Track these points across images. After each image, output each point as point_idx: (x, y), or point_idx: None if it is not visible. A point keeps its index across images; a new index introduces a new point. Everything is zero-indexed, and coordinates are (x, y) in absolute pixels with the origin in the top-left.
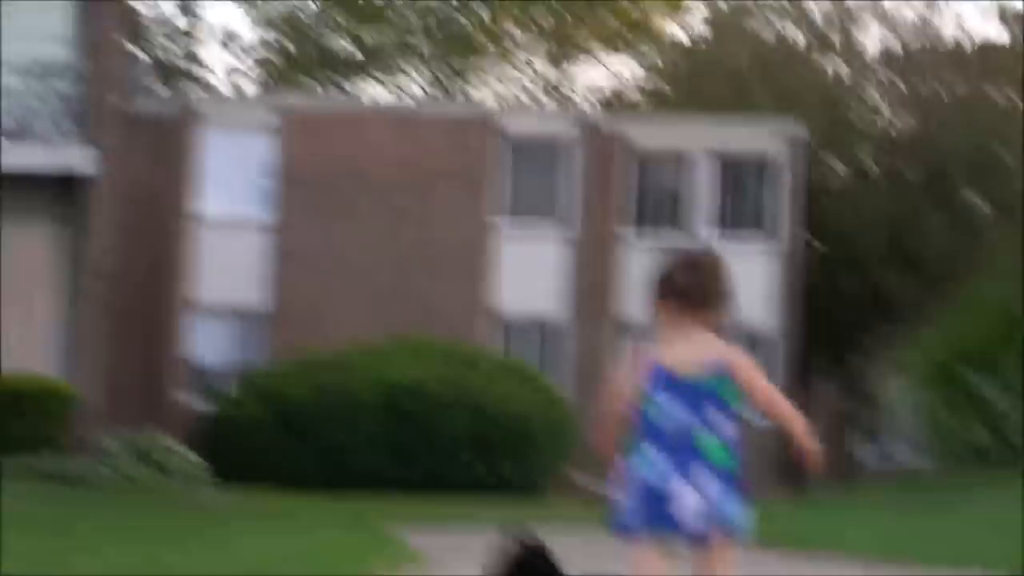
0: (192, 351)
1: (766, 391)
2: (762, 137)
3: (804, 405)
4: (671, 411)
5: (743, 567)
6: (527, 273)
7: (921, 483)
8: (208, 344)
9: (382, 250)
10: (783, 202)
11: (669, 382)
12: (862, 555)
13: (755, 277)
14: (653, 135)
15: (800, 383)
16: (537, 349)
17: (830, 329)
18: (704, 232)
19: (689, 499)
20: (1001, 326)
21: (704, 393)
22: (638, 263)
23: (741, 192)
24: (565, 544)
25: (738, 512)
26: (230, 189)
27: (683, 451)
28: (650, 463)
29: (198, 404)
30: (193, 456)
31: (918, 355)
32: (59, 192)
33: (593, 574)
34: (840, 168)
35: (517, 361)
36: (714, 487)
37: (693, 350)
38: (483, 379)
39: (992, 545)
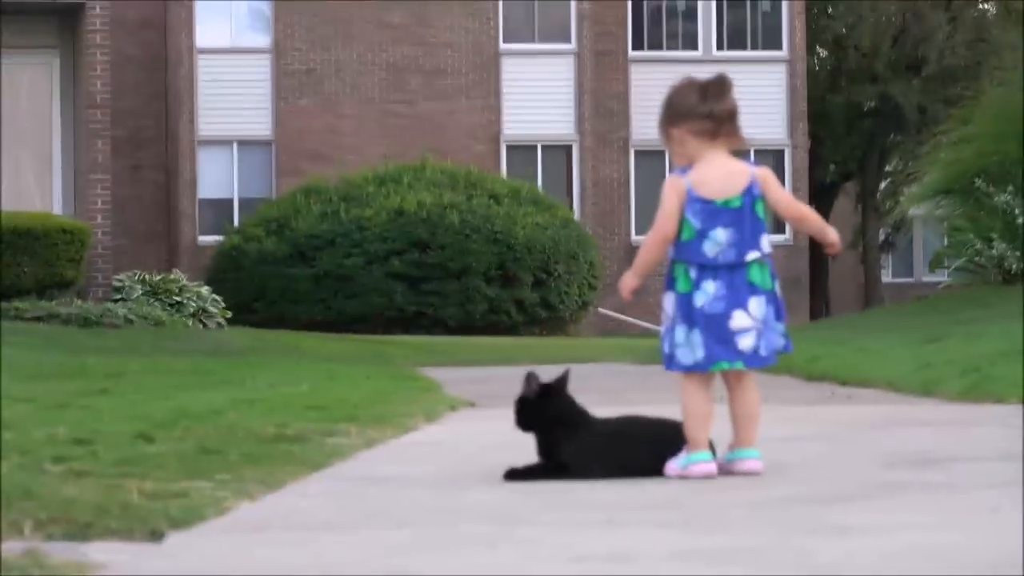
0: (201, 185)
1: (790, 198)
2: None
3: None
4: (720, 240)
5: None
6: (532, 94)
7: (942, 301)
8: (216, 177)
9: (386, 72)
10: (788, 12)
11: (713, 210)
12: (895, 386)
13: (761, 90)
14: None
15: (815, 199)
16: (547, 173)
17: (840, 142)
18: (709, 46)
19: (750, 328)
20: (1018, 137)
21: (747, 216)
22: (645, 81)
23: (745, 3)
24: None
25: (785, 335)
26: (229, 17)
27: (737, 279)
28: (708, 295)
29: (208, 238)
30: (206, 291)
31: (934, 168)
32: (60, 23)
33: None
34: None
35: (531, 187)
36: (767, 313)
37: (728, 174)
38: (500, 206)
39: (1020, 370)
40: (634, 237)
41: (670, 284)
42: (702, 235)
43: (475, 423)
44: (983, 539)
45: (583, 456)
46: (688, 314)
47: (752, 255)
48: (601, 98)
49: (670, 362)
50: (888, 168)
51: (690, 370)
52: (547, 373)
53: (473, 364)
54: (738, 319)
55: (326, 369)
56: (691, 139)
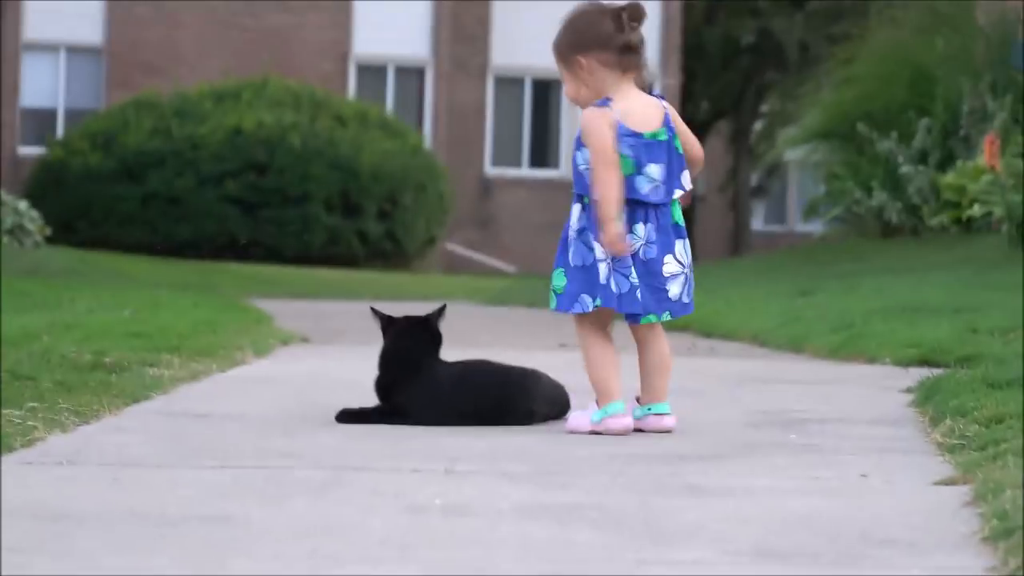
0: (23, 93)
1: (695, 138)
2: None
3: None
4: (654, 175)
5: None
6: (386, 11)
7: (816, 252)
8: (39, 85)
9: None
10: None
11: (644, 143)
12: (762, 340)
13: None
14: None
15: None
16: (398, 97)
17: (715, 78)
18: None
19: (679, 274)
20: (906, 81)
21: (672, 151)
22: (509, 4)
23: None
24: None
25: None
26: None
27: (664, 220)
28: (640, 239)
29: (31, 151)
30: (25, 207)
31: (813, 110)
32: None
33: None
34: None
35: (380, 110)
36: (687, 257)
37: (646, 106)
38: (344, 129)
39: (895, 328)
40: (488, 168)
41: (593, 225)
42: (637, 171)
43: (308, 359)
44: (850, 506)
45: (423, 400)
46: (619, 258)
47: (677, 192)
48: (461, 20)
49: (578, 303)
50: (764, 108)
51: (604, 312)
52: (388, 310)
53: (309, 297)
54: (669, 265)
55: (150, 295)
56: (601, 70)
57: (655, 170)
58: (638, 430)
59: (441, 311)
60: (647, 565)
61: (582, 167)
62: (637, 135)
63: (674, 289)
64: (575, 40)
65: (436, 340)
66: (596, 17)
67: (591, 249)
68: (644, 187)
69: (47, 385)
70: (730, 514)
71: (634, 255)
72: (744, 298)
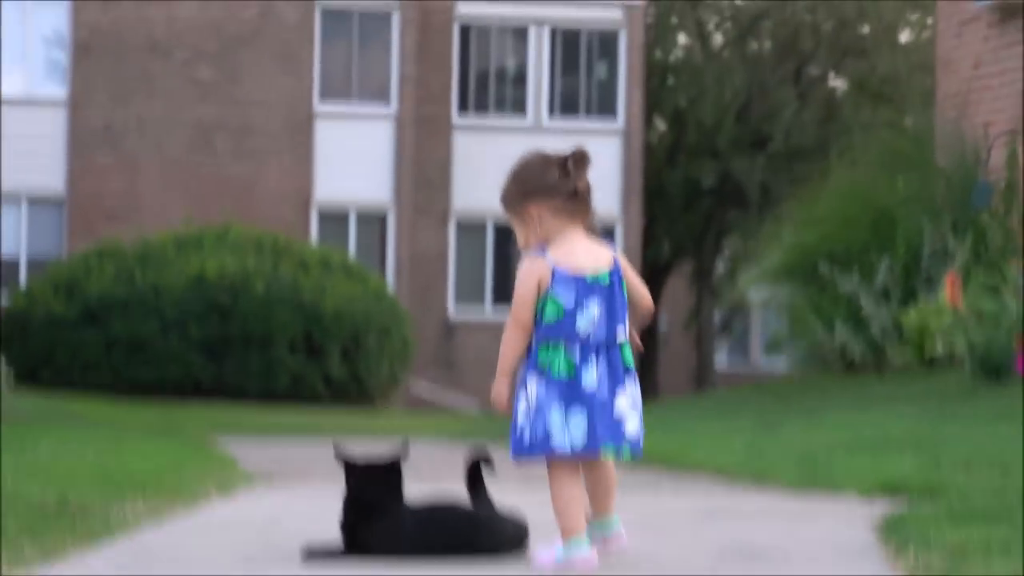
0: None
1: (646, 289)
2: (602, 7)
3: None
4: (593, 316)
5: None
6: (347, 158)
7: (780, 388)
8: (3, 234)
9: (190, 128)
10: (623, 79)
11: (584, 285)
12: (727, 474)
13: (594, 162)
14: (483, 4)
15: (648, 278)
16: (360, 242)
17: (677, 219)
18: (540, 113)
19: (631, 413)
20: (867, 221)
21: (616, 294)
22: (469, 148)
23: (576, 68)
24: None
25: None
26: (23, 64)
27: (614, 359)
28: (593, 378)
29: None
30: None
31: (776, 249)
32: None
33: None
34: (686, 41)
35: (342, 256)
36: (638, 394)
37: (591, 250)
38: (307, 274)
39: (859, 461)
40: (451, 313)
41: (539, 368)
42: (574, 312)
43: (272, 498)
44: None
45: (390, 536)
46: (571, 397)
47: (622, 335)
48: (422, 165)
49: (539, 447)
50: (726, 249)
51: (566, 457)
52: (354, 447)
53: (274, 437)
54: (621, 403)
55: (114, 438)
56: (550, 217)
57: (595, 311)
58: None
59: (404, 447)
60: None
61: None
62: (579, 278)
63: (631, 426)
64: (523, 190)
65: (398, 481)
66: (542, 166)
67: (528, 395)
68: (583, 328)
69: (12, 529)
70: None
71: (587, 393)
72: (708, 433)
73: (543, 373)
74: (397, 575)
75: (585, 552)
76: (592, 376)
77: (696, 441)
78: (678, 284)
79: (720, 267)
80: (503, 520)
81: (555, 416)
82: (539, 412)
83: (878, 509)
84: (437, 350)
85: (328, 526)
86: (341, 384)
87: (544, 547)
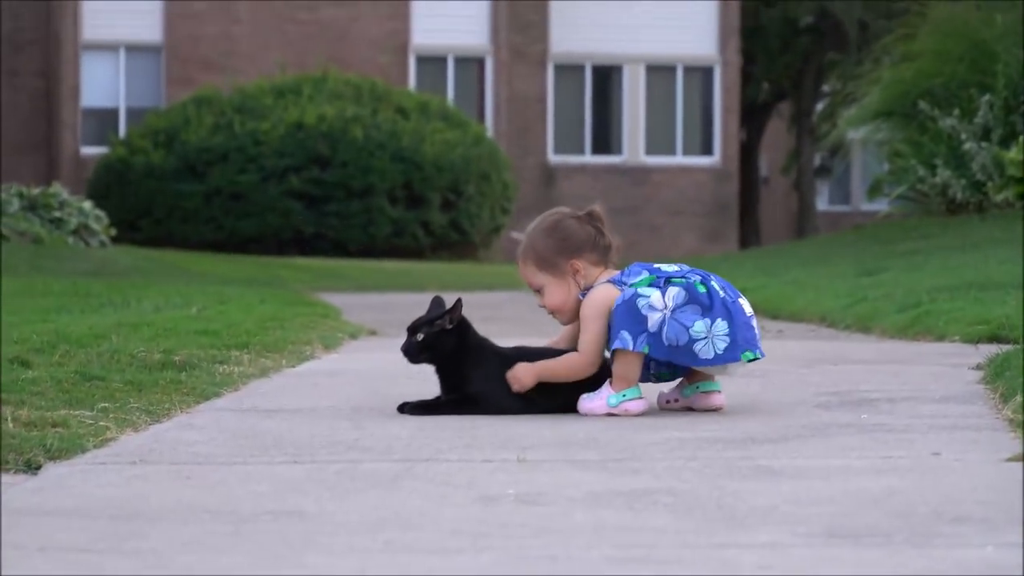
0: (84, 93)
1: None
2: None
3: (752, 143)
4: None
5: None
6: (445, 2)
7: (881, 231)
8: (101, 84)
9: None
10: None
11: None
12: (830, 321)
13: (690, 3)
14: None
15: (746, 120)
16: (458, 88)
17: (775, 59)
18: None
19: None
20: (966, 57)
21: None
22: None
23: None
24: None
25: None
26: None
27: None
28: (718, 288)
29: (93, 151)
30: (88, 206)
31: (874, 88)
32: None
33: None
34: None
35: (441, 101)
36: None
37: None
38: (406, 121)
39: (962, 305)
40: (551, 157)
41: (662, 284)
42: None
43: (376, 352)
44: (923, 484)
45: (494, 388)
46: (706, 303)
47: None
48: (519, 8)
49: (682, 355)
50: (825, 88)
51: (710, 364)
52: (450, 301)
53: (375, 290)
54: (746, 305)
55: (217, 292)
56: (591, 268)
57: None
58: (688, 409)
59: (456, 305)
60: (721, 548)
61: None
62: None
63: (756, 328)
64: (564, 246)
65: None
66: (575, 223)
67: (687, 327)
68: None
69: (117, 385)
70: (802, 495)
71: (719, 297)
72: (810, 279)
73: (670, 284)
74: (495, 424)
75: (638, 400)
76: (718, 286)
77: (799, 288)
78: (777, 126)
79: (819, 107)
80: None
81: (698, 324)
82: (671, 319)
83: (983, 353)
84: (537, 196)
85: (431, 379)
86: (442, 233)
87: (591, 395)
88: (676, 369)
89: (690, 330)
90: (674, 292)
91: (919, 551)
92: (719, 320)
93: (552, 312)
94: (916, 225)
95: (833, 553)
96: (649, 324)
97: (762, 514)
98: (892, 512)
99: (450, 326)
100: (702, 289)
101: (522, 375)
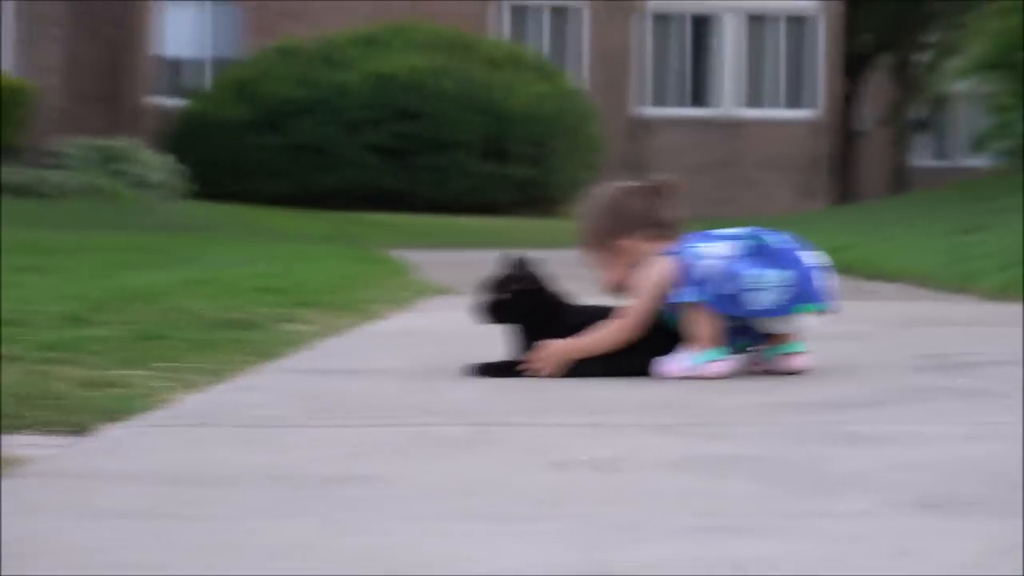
0: (161, 43)
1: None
2: None
3: (851, 95)
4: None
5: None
6: None
7: (983, 187)
8: (178, 35)
9: None
10: None
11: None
12: (927, 281)
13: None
14: None
15: (846, 71)
16: (552, 38)
17: (877, 9)
18: None
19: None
20: None
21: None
22: None
23: None
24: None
25: None
26: None
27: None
28: (777, 239)
29: (169, 103)
30: (165, 162)
31: (980, 39)
32: None
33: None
34: None
35: (535, 52)
36: None
37: None
38: (497, 72)
39: None
40: (644, 110)
41: (711, 237)
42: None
43: (450, 312)
44: (1021, 451)
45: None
46: (762, 254)
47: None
48: None
49: (735, 304)
50: (929, 39)
51: (765, 315)
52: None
53: (454, 246)
54: (815, 257)
55: (287, 248)
56: (646, 245)
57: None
58: (767, 372)
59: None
60: (809, 517)
61: None
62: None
63: (823, 279)
64: (616, 224)
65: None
66: (630, 199)
67: (740, 274)
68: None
69: (178, 343)
70: (896, 463)
71: (774, 248)
72: (908, 237)
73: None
74: (568, 387)
75: (721, 361)
76: (780, 240)
77: (896, 246)
78: (878, 78)
79: (922, 59)
80: None
81: (752, 272)
82: (729, 270)
83: None
84: (627, 149)
85: (504, 340)
86: (526, 188)
87: (668, 359)
88: (755, 337)
89: (743, 277)
90: (727, 244)
91: (1017, 521)
92: (776, 270)
93: (611, 292)
94: (1019, 181)
95: (926, 523)
96: (699, 273)
97: (852, 482)
98: (989, 480)
99: (527, 287)
100: (759, 242)
101: (545, 362)
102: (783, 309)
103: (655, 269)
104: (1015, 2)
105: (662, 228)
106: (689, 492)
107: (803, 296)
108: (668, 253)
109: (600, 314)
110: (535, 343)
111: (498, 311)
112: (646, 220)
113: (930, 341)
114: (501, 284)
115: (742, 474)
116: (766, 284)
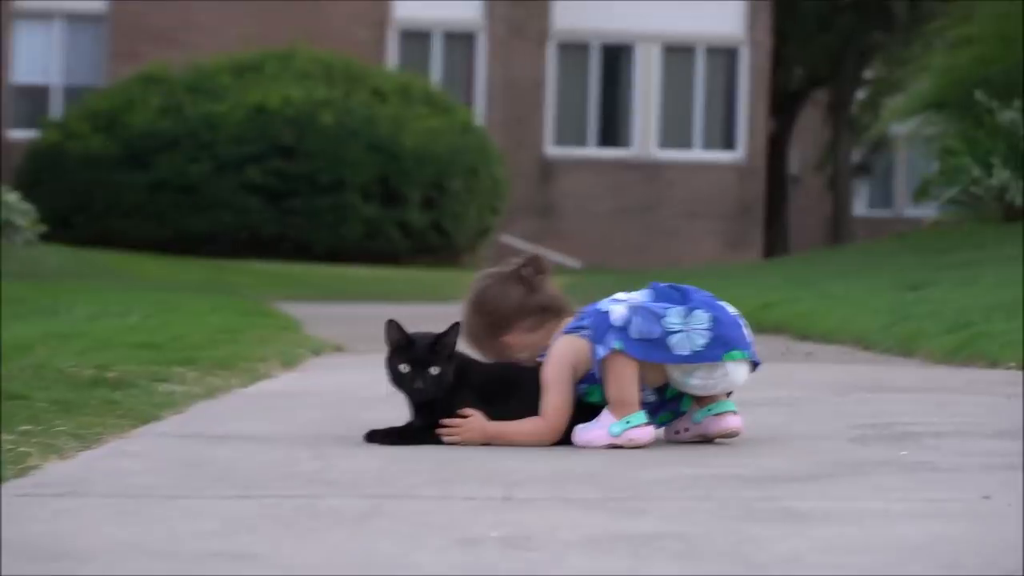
0: (13, 67)
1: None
2: None
3: (781, 136)
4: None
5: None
6: None
7: (928, 239)
8: (34, 58)
9: None
10: None
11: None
12: (867, 342)
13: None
14: None
15: (775, 110)
16: (446, 68)
17: (811, 40)
18: None
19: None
20: None
21: None
22: None
23: None
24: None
25: None
26: None
27: None
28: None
29: (20, 133)
30: (15, 199)
31: (924, 76)
32: None
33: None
34: None
35: (425, 83)
36: None
37: None
38: (384, 105)
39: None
40: (550, 149)
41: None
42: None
43: (342, 371)
44: (971, 532)
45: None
46: (685, 296)
47: None
48: None
49: (653, 350)
50: (868, 75)
51: (687, 361)
52: (433, 315)
53: (344, 299)
54: (730, 308)
55: (161, 299)
56: (530, 335)
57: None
58: (701, 439)
59: (454, 329)
60: None
61: None
62: None
63: (747, 332)
64: (490, 322)
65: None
66: (501, 288)
67: (659, 316)
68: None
69: (43, 405)
70: (832, 543)
71: (698, 293)
72: (846, 293)
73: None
74: (478, 455)
75: (643, 427)
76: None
77: (833, 303)
78: (811, 117)
79: (860, 97)
80: None
81: (673, 313)
82: (649, 309)
83: None
84: (533, 194)
85: (403, 403)
86: (422, 235)
87: (588, 426)
88: (679, 407)
89: (663, 320)
90: (639, 294)
91: None
92: (698, 311)
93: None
94: (969, 233)
95: None
96: (613, 318)
97: (785, 563)
98: (936, 564)
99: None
100: (673, 287)
101: (467, 431)
102: (712, 355)
103: (556, 355)
104: (968, 32)
105: (545, 313)
106: (608, 573)
107: (731, 341)
108: (568, 331)
109: (504, 374)
110: (449, 407)
111: (436, 387)
112: (523, 311)
113: (870, 409)
114: (425, 359)
115: (665, 554)
116: (692, 326)
